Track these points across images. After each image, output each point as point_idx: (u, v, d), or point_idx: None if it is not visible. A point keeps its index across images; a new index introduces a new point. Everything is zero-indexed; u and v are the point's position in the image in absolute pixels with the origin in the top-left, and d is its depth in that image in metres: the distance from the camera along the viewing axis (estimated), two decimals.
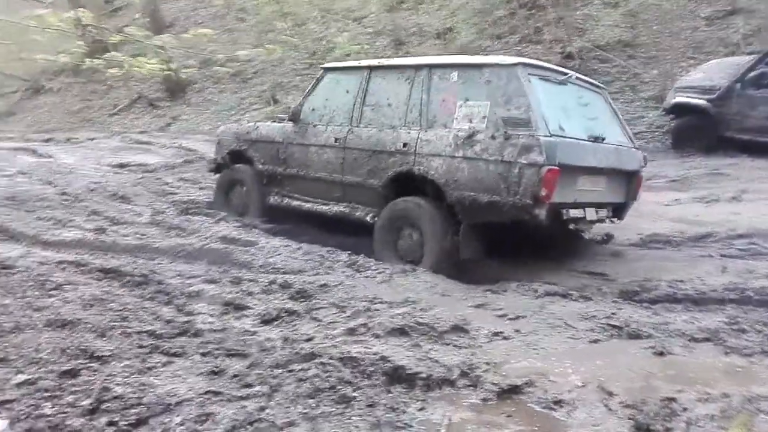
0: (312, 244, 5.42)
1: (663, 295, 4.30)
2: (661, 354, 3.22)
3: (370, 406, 2.58)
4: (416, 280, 4.54)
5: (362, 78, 5.61)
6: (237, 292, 4.01)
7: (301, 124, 5.99)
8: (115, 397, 2.51)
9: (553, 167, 4.35)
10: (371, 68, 5.62)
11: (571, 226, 5.19)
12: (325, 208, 5.76)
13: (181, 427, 2.32)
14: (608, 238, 5.79)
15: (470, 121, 4.79)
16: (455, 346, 3.23)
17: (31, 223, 5.86)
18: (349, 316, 3.59)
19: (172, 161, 11.20)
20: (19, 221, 5.89)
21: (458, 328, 3.41)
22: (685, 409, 2.61)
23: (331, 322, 3.53)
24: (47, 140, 17.74)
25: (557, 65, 14.31)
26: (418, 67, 5.28)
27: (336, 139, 5.63)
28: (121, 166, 11.06)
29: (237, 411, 2.43)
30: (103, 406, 2.46)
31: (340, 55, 17.50)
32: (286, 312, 3.66)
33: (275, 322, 3.56)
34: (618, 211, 5.54)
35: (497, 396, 2.76)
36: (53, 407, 2.48)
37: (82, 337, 3.11)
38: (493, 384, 2.82)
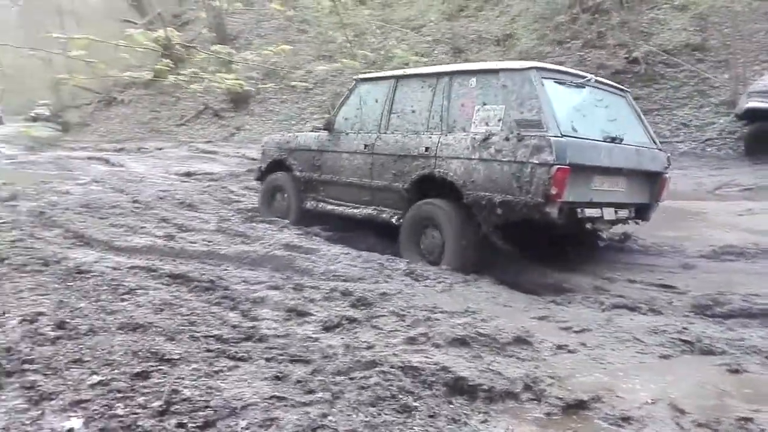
0: (371, 252, 5.50)
1: (737, 310, 4.11)
2: (736, 371, 3.07)
3: (431, 416, 2.56)
4: (477, 290, 4.50)
5: (390, 87, 5.91)
6: (299, 299, 4.07)
7: (335, 133, 6.35)
8: (184, 400, 2.58)
9: (563, 166, 4.47)
10: (398, 78, 5.89)
11: (588, 226, 5.27)
12: (355, 211, 6.07)
13: (247, 431, 2.36)
14: (626, 237, 5.91)
15: (487, 124, 4.99)
16: (518, 358, 3.17)
17: (105, 229, 6.13)
18: (409, 325, 3.59)
19: (236, 170, 11.52)
20: (93, 227, 6.18)
21: (521, 340, 3.35)
22: (762, 430, 2.48)
23: (391, 331, 3.53)
24: (119, 150, 18.59)
25: (621, 70, 14.05)
26: (439, 75, 5.53)
27: (365, 146, 5.94)
28: (188, 174, 11.45)
29: (300, 417, 2.46)
30: (173, 408, 2.53)
31: (398, 65, 17.60)
32: (347, 319, 3.69)
33: (336, 329, 3.59)
34: (642, 212, 5.58)
35: (562, 411, 2.69)
36: (125, 408, 2.58)
37: (153, 340, 3.22)
38: (558, 398, 2.75)
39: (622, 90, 5.90)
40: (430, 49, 18.44)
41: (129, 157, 16.34)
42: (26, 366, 2.96)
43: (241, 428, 2.39)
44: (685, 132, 12.18)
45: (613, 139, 4.99)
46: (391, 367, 2.94)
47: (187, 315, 3.63)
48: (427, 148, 5.34)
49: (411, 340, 3.36)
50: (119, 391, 2.70)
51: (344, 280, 4.55)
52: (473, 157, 4.95)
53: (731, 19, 13.11)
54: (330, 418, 2.48)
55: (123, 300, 3.90)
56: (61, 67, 27.38)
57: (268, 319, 3.70)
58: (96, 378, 2.83)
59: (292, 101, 19.79)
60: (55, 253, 5.03)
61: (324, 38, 20.96)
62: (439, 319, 3.67)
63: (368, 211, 5.93)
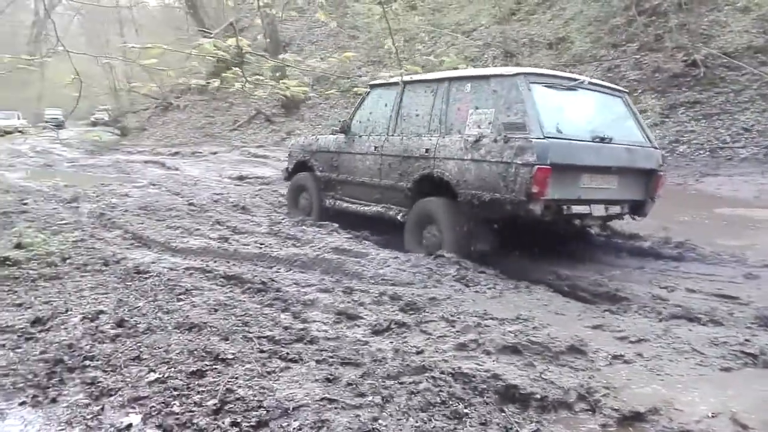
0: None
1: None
2: None
3: (482, 424, 2.54)
4: (528, 297, 4.43)
5: (398, 92, 6.27)
6: (349, 302, 4.09)
7: (350, 135, 6.80)
8: (238, 399, 2.63)
9: (543, 166, 4.73)
10: (405, 83, 6.11)
11: (576, 222, 5.50)
12: (366, 208, 6.48)
13: None
14: (606, 230, 6.17)
15: (479, 127, 5.31)
16: (572, 367, 3.10)
17: (162, 231, 6.32)
18: (459, 331, 3.56)
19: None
20: (151, 229, 6.37)
21: (575, 349, 3.28)
22: None
23: (440, 336, 3.51)
24: (174, 154, 19.13)
25: (679, 74, 13.64)
26: (440, 81, 5.85)
27: (375, 147, 6.37)
28: (241, 178, 11.68)
29: (351, 420, 2.47)
30: (227, 407, 2.58)
31: (448, 69, 17.53)
32: (396, 324, 3.68)
33: (386, 333, 3.59)
34: (637, 208, 5.77)
35: (618, 423, 2.62)
36: (181, 405, 2.64)
37: (208, 339, 3.29)
38: (614, 410, 2.68)
39: (618, 91, 6.10)
40: (480, 54, 18.32)
41: (184, 161, 16.81)
42: (87, 362, 3.07)
43: (294, 429, 2.42)
44: (746, 137, 11.72)
45: (601, 139, 5.19)
46: (442, 372, 2.93)
47: (241, 315, 3.70)
48: (427, 150, 5.71)
49: (461, 346, 3.33)
50: (176, 389, 2.77)
51: (393, 285, 4.55)
52: (466, 157, 5.28)
53: None
54: (380, 422, 2.48)
55: (179, 300, 4.01)
56: (121, 73, 28.37)
57: (318, 321, 3.73)
58: (154, 375, 2.91)
59: (341, 106, 19.96)
60: (115, 254, 5.21)
61: (374, 44, 21.09)
62: (489, 326, 3.63)
63: (378, 208, 6.31)
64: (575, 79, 5.55)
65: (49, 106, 41.62)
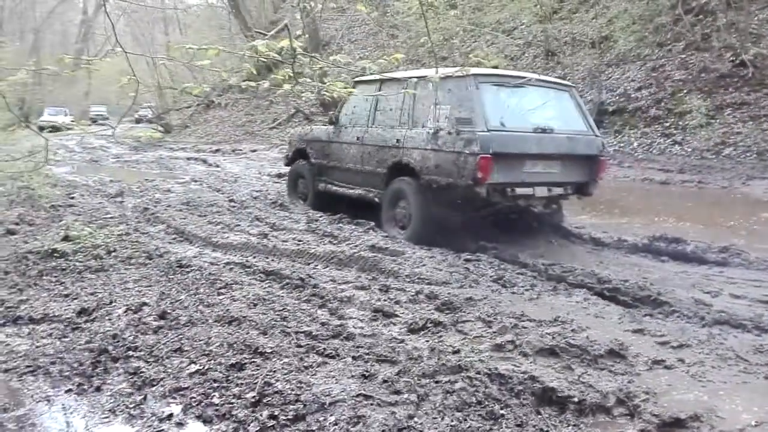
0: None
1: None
2: None
3: (519, 425, 2.52)
4: (567, 300, 4.37)
5: (376, 88, 6.98)
6: (385, 300, 4.11)
7: (339, 126, 7.54)
8: (276, 392, 2.67)
9: (486, 155, 5.53)
10: (382, 80, 6.78)
11: (521, 202, 6.09)
12: (351, 191, 7.21)
13: (335, 427, 2.41)
14: (554, 212, 6.70)
15: (438, 121, 6.07)
16: (611, 371, 3.06)
17: (204, 226, 6.44)
18: (495, 332, 3.54)
19: None
20: (193, 224, 6.50)
21: (614, 353, 3.22)
22: None
23: (477, 336, 3.50)
24: (215, 151, 19.45)
25: (727, 74, 13.27)
26: (409, 79, 6.48)
27: (357, 138, 7.12)
28: (279, 176, 11.79)
29: (387, 416, 2.49)
30: (265, 400, 2.63)
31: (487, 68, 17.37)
32: (432, 323, 3.68)
33: (422, 332, 3.59)
34: (582, 188, 6.48)
35: (657, 429, 2.57)
36: (221, 397, 2.70)
37: (247, 333, 3.35)
38: (654, 415, 2.63)
39: (565, 85, 6.92)
40: (520, 53, 18.13)
41: (225, 158, 17.08)
42: (130, 353, 3.16)
43: (330, 424, 2.44)
44: None
45: (543, 130, 5.93)
46: (478, 373, 2.92)
47: (279, 310, 3.75)
48: (397, 140, 6.49)
49: (498, 347, 3.31)
50: (215, 381, 2.83)
51: (429, 284, 4.55)
52: (427, 147, 6.08)
53: None
54: (416, 419, 2.49)
55: (220, 294, 4.08)
56: (165, 72, 28.91)
57: (355, 318, 3.76)
58: (194, 367, 2.98)
59: None
60: (158, 248, 5.34)
61: (413, 43, 21.04)
62: (527, 328, 3.60)
63: (360, 191, 7.05)
64: (523, 77, 6.42)
65: (94, 103, 42.82)
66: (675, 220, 7.87)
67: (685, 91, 13.54)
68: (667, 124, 13.36)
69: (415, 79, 6.34)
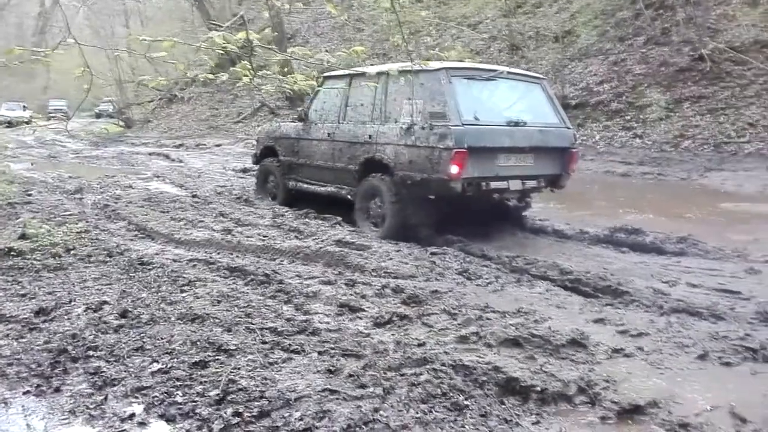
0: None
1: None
2: None
3: (482, 416, 2.55)
4: (530, 291, 4.43)
5: (346, 83, 6.88)
6: (352, 295, 4.10)
7: (308, 123, 7.38)
8: (240, 389, 2.65)
9: (460, 150, 5.49)
10: (352, 75, 6.77)
11: (495, 196, 6.13)
12: (322, 189, 7.11)
13: (301, 423, 2.41)
14: (526, 205, 6.83)
15: (411, 116, 6.00)
16: (572, 360, 3.11)
17: (166, 222, 6.34)
18: (460, 324, 3.57)
19: None
20: (155, 221, 6.40)
21: (575, 343, 3.28)
22: None
23: (442, 329, 3.53)
24: (179, 146, 19.16)
25: (686, 68, 13.57)
26: (379, 74, 6.30)
27: (328, 134, 6.99)
28: (244, 171, 11.69)
29: (352, 410, 2.49)
30: (230, 397, 2.61)
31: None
32: (398, 316, 3.70)
33: (388, 326, 3.60)
34: (554, 181, 6.48)
35: (617, 415, 2.63)
36: (184, 395, 2.67)
37: (211, 330, 3.32)
38: (613, 402, 2.69)
39: (536, 78, 6.88)
40: (485, 47, 18.26)
41: (188, 153, 16.83)
42: (91, 352, 3.10)
43: (295, 419, 2.44)
44: (751, 132, 11.68)
45: (515, 123, 5.95)
46: (443, 365, 2.94)
47: (244, 307, 3.72)
48: (370, 136, 6.39)
49: (462, 339, 3.34)
50: (178, 379, 2.79)
51: (395, 277, 4.56)
52: (400, 143, 6.01)
53: None
54: (381, 412, 2.50)
55: (183, 291, 4.03)
56: (126, 65, 28.34)
57: (320, 313, 3.75)
58: (156, 366, 2.94)
59: None
60: (119, 245, 5.24)
61: (379, 37, 21.04)
62: (491, 319, 3.64)
63: (331, 188, 6.95)
64: (494, 70, 6.34)
65: (53, 97, 41.72)
66: (635, 211, 8.05)
67: (645, 85, 13.82)
68: (628, 118, 13.63)
69: (386, 74, 6.19)
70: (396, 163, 6.04)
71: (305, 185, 7.42)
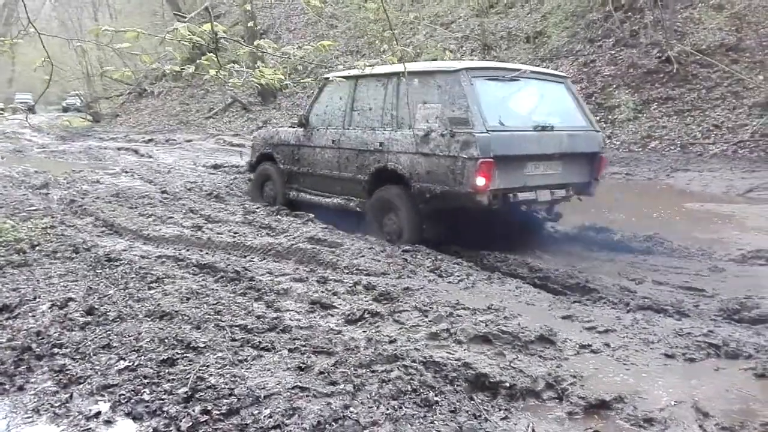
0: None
1: (766, 315, 4.03)
2: (763, 376, 3.01)
3: (452, 411, 2.57)
4: (500, 288, 4.47)
5: (351, 86, 6.32)
6: (323, 292, 4.10)
7: (309, 129, 6.86)
8: (209, 387, 2.63)
9: (486, 159, 4.99)
10: (357, 77, 6.22)
11: (523, 208, 5.65)
12: (328, 200, 6.62)
13: (270, 420, 2.40)
14: (557, 216, 6.34)
15: (427, 122, 5.45)
16: (541, 357, 3.16)
17: (134, 218, 6.25)
18: (431, 321, 3.59)
19: None
20: (123, 217, 6.30)
21: (544, 339, 3.32)
22: None
23: (413, 326, 3.54)
24: (148, 141, 18.86)
25: (654, 70, 13.84)
26: (389, 75, 5.94)
27: (333, 141, 6.48)
28: (216, 167, 11.57)
29: (323, 407, 2.49)
30: (198, 395, 2.58)
31: (426, 61, 17.56)
32: (369, 313, 3.70)
33: (359, 323, 3.61)
34: (582, 189, 6.03)
35: (584, 410, 2.68)
36: (151, 393, 2.64)
37: (180, 328, 3.28)
38: (580, 398, 2.73)
39: (560, 77, 6.33)
40: (458, 46, 18.35)
41: (158, 149, 16.57)
42: (56, 350, 3.04)
43: (265, 417, 2.42)
44: (716, 134, 11.95)
45: (543, 128, 5.44)
46: (413, 361, 2.96)
47: (213, 304, 3.69)
48: (381, 144, 5.87)
49: (433, 336, 3.36)
50: (146, 377, 2.76)
51: (368, 274, 4.56)
52: (417, 151, 5.48)
53: None
54: (352, 409, 2.51)
55: (151, 288, 3.98)
56: (94, 58, 27.81)
57: (292, 310, 3.74)
58: (123, 363, 2.90)
59: None
60: (85, 241, 5.15)
61: (353, 34, 21.01)
62: (461, 316, 3.66)
63: (338, 200, 6.47)
64: (516, 70, 5.75)
65: (19, 91, 40.74)
66: (604, 210, 8.17)
67: (614, 86, 14.05)
68: (598, 118, 13.80)
69: (397, 75, 5.81)
70: (412, 173, 5.53)
71: (308, 196, 6.91)
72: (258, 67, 3.29)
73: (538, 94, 5.89)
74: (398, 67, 5.71)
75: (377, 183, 5.96)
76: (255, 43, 3.37)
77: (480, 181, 5.00)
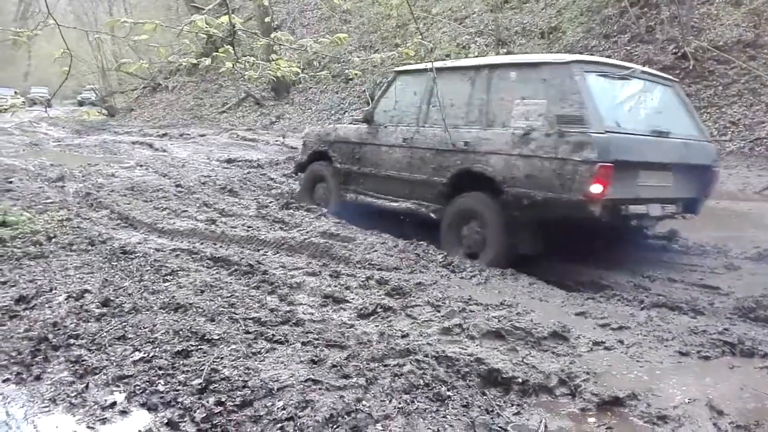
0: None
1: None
2: None
3: (464, 406, 2.57)
4: (513, 284, 4.47)
5: (428, 79, 5.73)
6: (336, 286, 4.11)
7: (374, 126, 6.33)
8: (223, 379, 2.65)
9: (606, 164, 4.38)
10: (437, 70, 5.53)
11: (633, 223, 5.10)
12: (394, 204, 6.04)
13: (283, 412, 2.41)
14: (672, 235, 5.84)
15: (527, 119, 4.88)
16: (554, 353, 3.15)
17: (149, 212, 6.29)
18: (444, 316, 3.59)
19: (275, 158, 11.65)
20: (138, 210, 6.35)
21: (557, 335, 3.32)
22: None
23: (426, 321, 3.55)
24: (162, 135, 18.96)
25: (669, 66, 13.69)
26: (478, 68, 5.44)
27: (404, 139, 5.93)
28: (229, 161, 11.62)
29: (335, 400, 2.50)
30: (212, 387, 2.60)
31: (440, 56, 17.51)
32: (382, 308, 3.71)
33: (372, 317, 3.62)
34: (690, 206, 5.42)
35: (597, 407, 2.67)
36: (166, 384, 2.66)
37: (194, 320, 3.30)
38: (593, 394, 2.73)
39: (669, 80, 5.75)
40: (472, 41, 18.27)
41: (172, 143, 16.66)
42: (72, 341, 3.07)
43: (278, 409, 2.44)
44: (733, 131, 11.82)
45: (660, 133, 4.92)
46: (426, 356, 2.96)
47: (227, 297, 3.71)
48: (466, 143, 5.29)
49: (446, 331, 3.36)
50: (161, 368, 2.78)
51: (380, 269, 4.58)
52: (513, 152, 4.89)
53: None
54: (364, 402, 2.51)
55: (165, 281, 4.01)
56: (109, 53, 28.00)
57: (305, 304, 3.76)
58: (138, 355, 2.93)
59: (332, 91, 19.88)
60: (101, 234, 5.19)
61: (366, 29, 20.97)
62: (474, 311, 3.67)
63: (408, 204, 5.88)
64: (627, 68, 5.26)
65: (34, 85, 41.13)
66: None
67: None
68: None
69: (487, 68, 5.32)
70: (505, 177, 4.92)
71: (369, 198, 6.35)
72: (274, 60, 3.30)
73: (649, 96, 5.34)
74: (489, 60, 5.33)
75: (458, 187, 5.37)
76: (272, 35, 3.37)
77: (596, 189, 4.39)
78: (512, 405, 2.65)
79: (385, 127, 6.23)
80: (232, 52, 3.06)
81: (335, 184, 6.79)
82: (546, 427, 2.50)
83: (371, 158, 6.34)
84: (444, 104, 5.56)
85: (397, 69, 6.45)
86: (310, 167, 7.25)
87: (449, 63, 5.52)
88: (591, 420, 2.60)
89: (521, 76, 5.06)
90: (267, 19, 16.96)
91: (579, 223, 4.77)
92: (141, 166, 10.70)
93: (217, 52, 3.32)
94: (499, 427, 2.45)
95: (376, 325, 3.46)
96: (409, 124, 5.97)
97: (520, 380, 2.80)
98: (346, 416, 2.41)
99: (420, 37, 4.54)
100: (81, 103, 37.46)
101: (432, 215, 5.59)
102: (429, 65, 5.37)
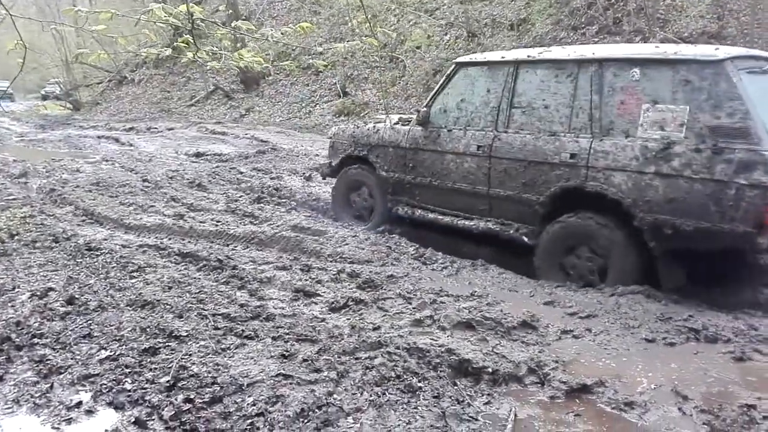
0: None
1: (744, 300, 4.09)
2: (741, 359, 3.07)
3: (435, 397, 2.59)
4: (483, 275, 4.50)
5: (507, 74, 4.89)
6: (307, 280, 4.09)
7: (431, 128, 5.40)
8: (192, 376, 2.62)
9: None
10: (518, 63, 4.85)
11: None
12: (468, 223, 5.16)
13: (253, 408, 2.40)
14: None
15: (662, 129, 4.04)
16: (523, 342, 3.19)
17: (115, 207, 6.18)
18: (415, 308, 3.61)
19: (245, 151, 11.51)
20: (103, 205, 6.23)
21: (526, 325, 3.36)
22: (765, 417, 2.48)
23: (397, 313, 3.56)
24: (129, 129, 18.61)
25: None
26: (582, 62, 4.47)
27: (479, 147, 5.00)
28: (198, 155, 11.46)
29: (306, 395, 2.49)
30: (180, 384, 2.57)
31: (410, 48, 17.51)
32: (353, 301, 3.71)
33: (343, 310, 3.62)
34: None
35: (566, 394, 2.71)
36: (133, 383, 2.62)
37: (162, 317, 3.26)
38: (562, 382, 2.77)
39: None
40: (443, 33, 18.30)
41: (139, 137, 16.38)
42: (36, 340, 3.01)
43: (248, 405, 2.42)
44: None
45: None
46: (397, 348, 2.97)
47: (196, 293, 3.67)
48: (573, 155, 4.40)
49: (417, 323, 3.38)
50: (127, 367, 2.74)
51: (352, 262, 4.57)
52: (646, 170, 4.04)
53: (750, 7, 12.92)
54: (335, 396, 2.51)
55: (132, 277, 3.95)
56: (73, 45, 27.34)
57: (275, 298, 3.73)
58: (105, 353, 2.88)
59: (302, 83, 19.73)
60: (66, 230, 5.09)
61: (336, 20, 20.86)
62: (445, 303, 3.69)
63: (487, 224, 5.02)
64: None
65: None
66: None
67: None
68: None
69: (595, 64, 4.38)
70: (637, 200, 4.06)
71: (431, 214, 5.46)
72: (237, 50, 3.25)
73: None
74: (598, 51, 4.46)
75: (559, 207, 4.53)
76: (232, 24, 3.31)
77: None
78: (483, 395, 2.67)
79: (448, 130, 5.26)
80: (192, 41, 3.01)
81: (380, 195, 5.91)
82: (516, 415, 2.53)
83: (431, 167, 5.40)
84: (534, 105, 4.72)
85: (458, 60, 5.48)
86: (343, 173, 6.28)
87: (537, 54, 4.73)
88: (560, 407, 2.63)
89: (650, 75, 4.14)
90: (230, 12, 16.72)
91: (732, 256, 4.06)
92: (107, 161, 10.50)
93: (179, 40, 3.26)
94: (470, 416, 2.47)
95: (347, 319, 3.46)
96: (484, 128, 5.01)
97: (490, 370, 2.83)
98: (317, 410, 2.40)
99: (368, 25, 4.35)
100: (45, 97, 36.55)
101: (525, 239, 4.75)
102: (506, 55, 4.74)
